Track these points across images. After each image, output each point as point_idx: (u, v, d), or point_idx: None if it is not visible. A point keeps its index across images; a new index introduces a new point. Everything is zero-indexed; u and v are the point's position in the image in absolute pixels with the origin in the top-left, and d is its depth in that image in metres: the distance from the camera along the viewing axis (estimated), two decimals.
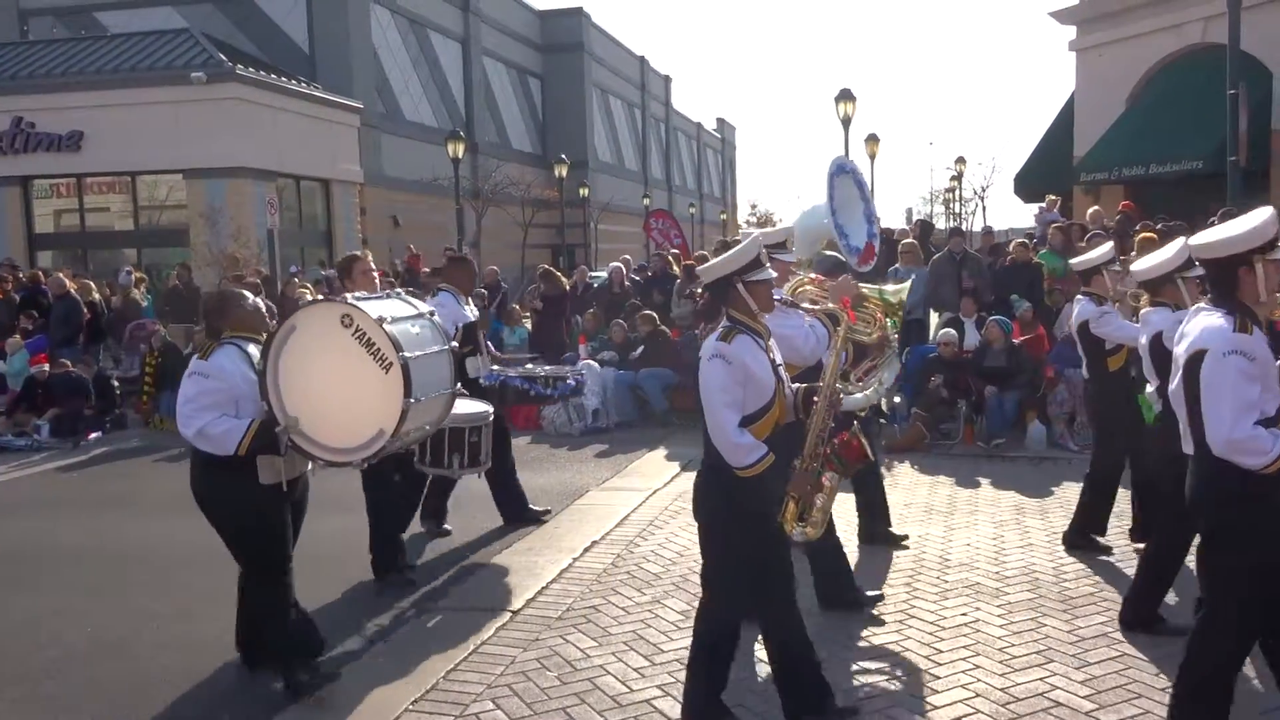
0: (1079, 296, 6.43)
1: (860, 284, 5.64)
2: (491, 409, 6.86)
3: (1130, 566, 6.04)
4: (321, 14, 31.15)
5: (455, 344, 5.58)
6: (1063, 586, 5.73)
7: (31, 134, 24.12)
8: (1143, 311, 5.41)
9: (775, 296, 4.39)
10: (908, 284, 4.82)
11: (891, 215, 56.85)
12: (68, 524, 8.30)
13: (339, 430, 4.71)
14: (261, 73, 25.33)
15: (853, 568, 5.65)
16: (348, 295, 5.16)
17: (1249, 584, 3.47)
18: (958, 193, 50.22)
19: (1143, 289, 5.51)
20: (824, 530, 4.34)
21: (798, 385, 4.20)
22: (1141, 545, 5.93)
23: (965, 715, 4.27)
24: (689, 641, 5.07)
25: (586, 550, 6.74)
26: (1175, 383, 3.66)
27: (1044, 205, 18.43)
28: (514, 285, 21.65)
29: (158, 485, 9.83)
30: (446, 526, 7.47)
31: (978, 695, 4.42)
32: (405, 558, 6.53)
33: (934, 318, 12.13)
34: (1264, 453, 3.38)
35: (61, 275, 15.59)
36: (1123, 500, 6.50)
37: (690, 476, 8.79)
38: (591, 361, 11.98)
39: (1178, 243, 5.24)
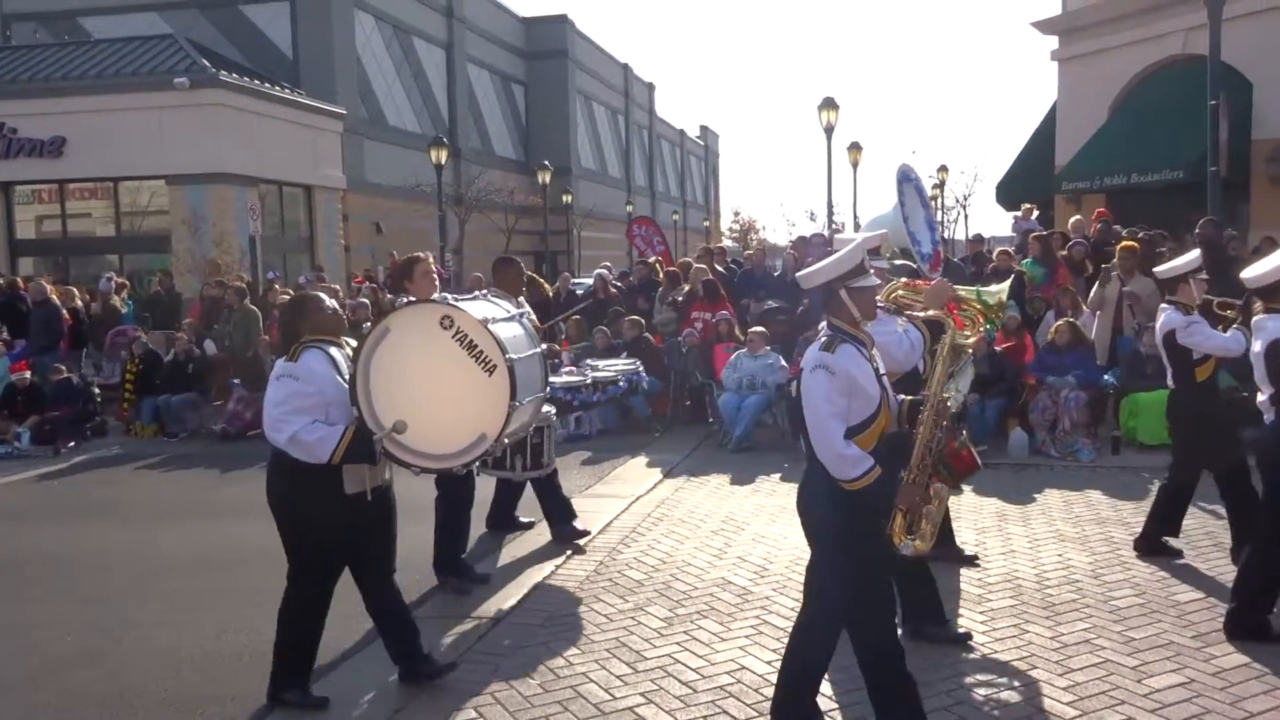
0: (1163, 306, 6.29)
1: (956, 287, 5.39)
2: (554, 410, 6.82)
3: (1126, 576, 6.07)
4: (306, 20, 31.10)
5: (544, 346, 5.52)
6: (1045, 593, 5.75)
7: (14, 139, 23.93)
8: (1256, 319, 5.28)
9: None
10: (1006, 285, 4.72)
11: None
12: (48, 532, 8.23)
13: (437, 435, 4.58)
14: (245, 79, 25.24)
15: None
16: (447, 296, 5.02)
17: None
18: (940, 201, 50.46)
19: (1257, 296, 5.34)
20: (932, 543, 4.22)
21: (902, 395, 4.12)
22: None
23: None
24: (671, 649, 5.09)
25: (569, 558, 6.72)
26: None
27: (1020, 214, 18.55)
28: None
29: (139, 493, 9.76)
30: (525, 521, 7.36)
31: (960, 702, 4.43)
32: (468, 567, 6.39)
33: None
34: None
35: (42, 281, 15.47)
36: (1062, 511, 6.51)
37: (673, 483, 8.87)
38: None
39: None
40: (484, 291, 5.58)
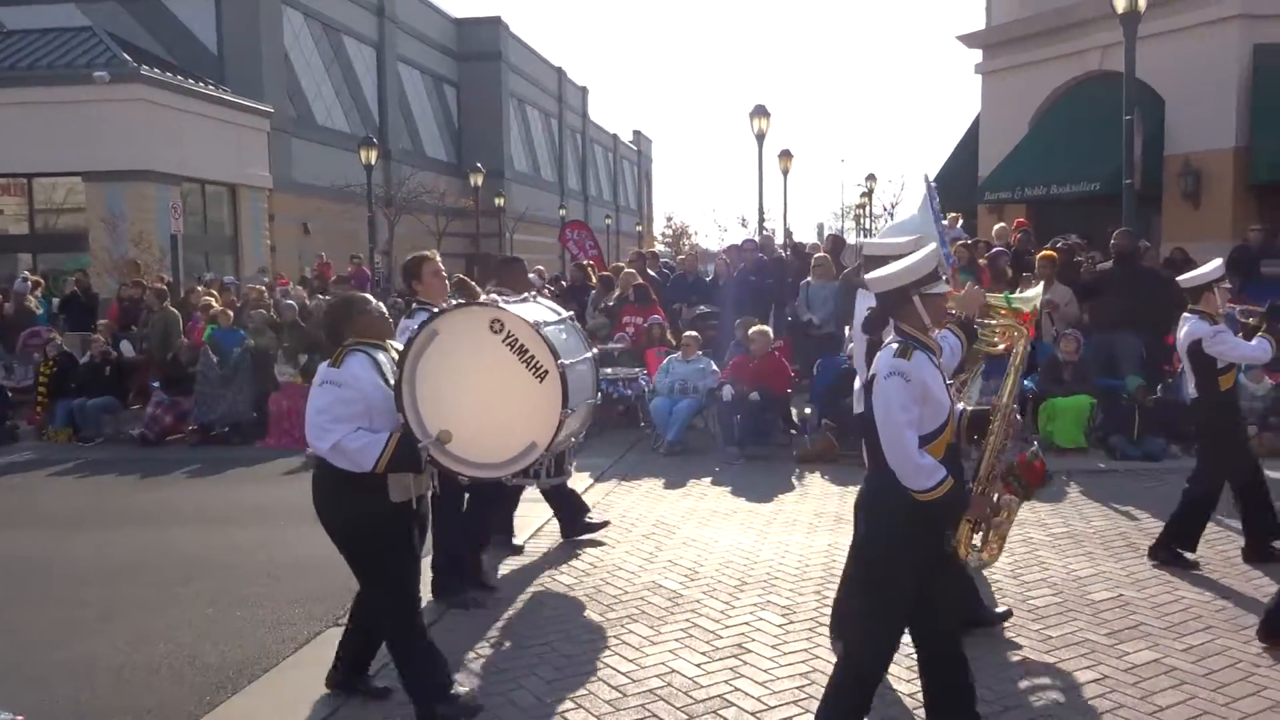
0: (1185, 315, 6.25)
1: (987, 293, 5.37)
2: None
3: (1043, 576, 6.23)
4: (231, 15, 30.43)
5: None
6: None
7: None
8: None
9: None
10: (1039, 290, 4.70)
11: (804, 230, 57.76)
12: None
13: (485, 443, 4.43)
14: (168, 74, 24.63)
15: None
16: (495, 298, 4.84)
17: None
18: (868, 209, 51.36)
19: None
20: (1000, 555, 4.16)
21: (962, 407, 4.05)
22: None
23: None
24: (601, 654, 5.09)
25: (502, 564, 6.68)
26: None
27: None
28: None
29: (52, 500, 9.45)
30: (517, 543, 7.02)
31: (890, 705, 4.50)
32: (485, 576, 6.16)
33: (846, 331, 12.35)
34: None
35: None
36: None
37: (604, 487, 8.87)
38: None
39: None
40: (533, 294, 5.40)
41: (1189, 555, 6.32)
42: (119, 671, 5.12)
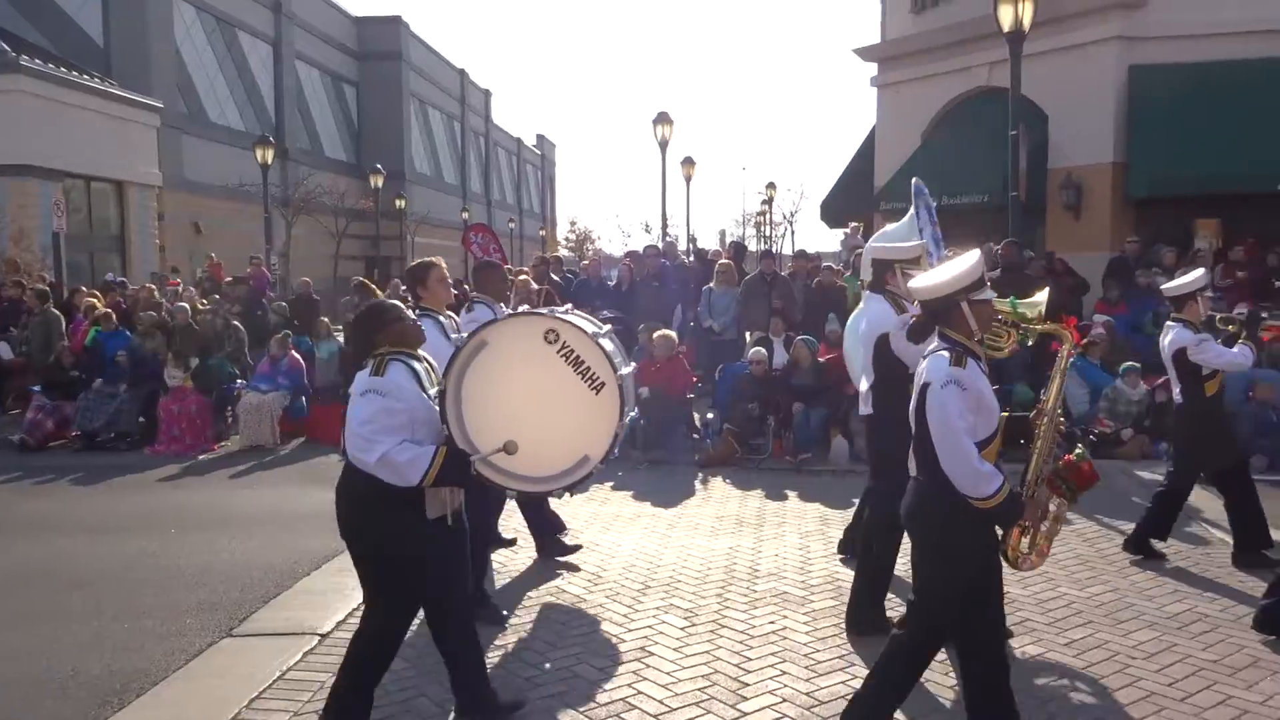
0: (1169, 323, 6.50)
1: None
2: None
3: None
4: (118, 6, 29.29)
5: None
6: None
7: None
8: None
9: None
10: (1044, 296, 4.79)
11: (706, 237, 58.45)
12: None
13: (537, 456, 4.27)
14: (50, 66, 23.54)
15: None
16: (553, 309, 4.68)
17: None
18: (769, 217, 52.29)
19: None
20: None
21: (1004, 413, 4.01)
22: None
23: None
24: (505, 660, 5.07)
25: None
26: None
27: (849, 231, 19.45)
28: (326, 297, 20.96)
29: None
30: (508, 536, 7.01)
31: (785, 700, 4.60)
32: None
33: (747, 337, 12.56)
34: None
35: None
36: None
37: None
38: None
39: None
40: (568, 306, 5.28)
41: (1159, 545, 6.70)
42: (33, 689, 4.88)
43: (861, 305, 5.58)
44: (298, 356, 12.26)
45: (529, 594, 6.10)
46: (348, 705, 4.18)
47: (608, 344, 4.57)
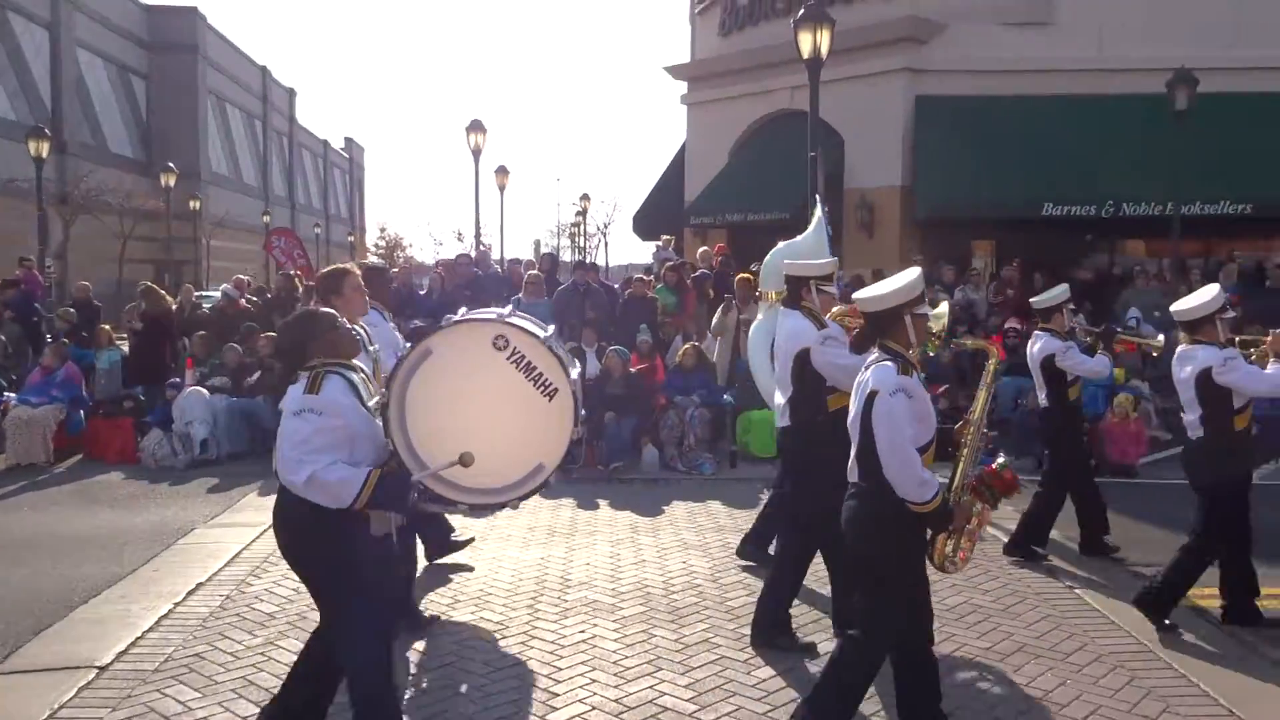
0: (1037, 332, 7.06)
1: None
2: None
3: (740, 578, 6.60)
4: None
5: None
6: (671, 599, 6.15)
7: None
8: (1184, 348, 5.68)
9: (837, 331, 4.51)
10: (944, 308, 4.81)
11: (520, 247, 58.28)
12: None
13: (488, 468, 4.00)
14: None
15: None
16: (501, 312, 4.43)
17: None
18: (583, 228, 52.62)
19: (1185, 329, 5.72)
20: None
21: None
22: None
23: None
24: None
25: (191, 593, 6.23)
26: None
27: (660, 244, 19.87)
28: (109, 303, 19.59)
29: None
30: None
31: (594, 708, 4.63)
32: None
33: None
34: None
35: None
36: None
37: None
38: (200, 388, 11.13)
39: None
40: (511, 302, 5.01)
41: (1040, 550, 7.06)
42: None
43: (761, 319, 5.72)
44: (75, 367, 11.41)
45: None
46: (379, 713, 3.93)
47: (560, 348, 4.49)
